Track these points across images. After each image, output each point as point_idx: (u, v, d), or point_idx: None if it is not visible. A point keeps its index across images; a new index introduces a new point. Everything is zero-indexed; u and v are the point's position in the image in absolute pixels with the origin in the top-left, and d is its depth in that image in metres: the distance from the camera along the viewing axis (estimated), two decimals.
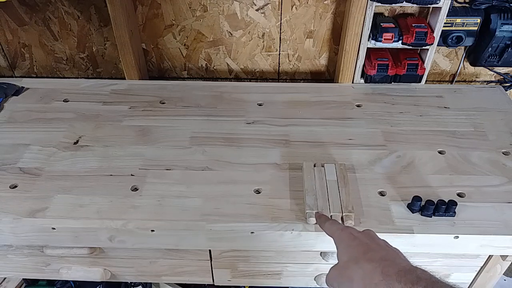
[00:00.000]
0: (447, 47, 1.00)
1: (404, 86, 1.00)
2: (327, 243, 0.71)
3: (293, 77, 1.13)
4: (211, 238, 0.71)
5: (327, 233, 0.59)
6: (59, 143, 0.85)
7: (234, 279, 0.85)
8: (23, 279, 1.14)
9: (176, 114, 0.93)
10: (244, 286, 1.08)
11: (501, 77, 1.09)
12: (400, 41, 0.94)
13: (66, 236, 0.72)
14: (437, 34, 0.93)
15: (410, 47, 0.95)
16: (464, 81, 1.12)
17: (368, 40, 0.95)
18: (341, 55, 0.99)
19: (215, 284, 0.87)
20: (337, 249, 0.55)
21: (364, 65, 1.00)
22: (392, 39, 0.93)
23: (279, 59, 1.09)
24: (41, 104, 0.96)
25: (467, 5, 0.96)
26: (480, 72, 1.10)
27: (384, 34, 0.93)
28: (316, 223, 0.67)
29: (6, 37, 1.08)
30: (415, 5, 0.90)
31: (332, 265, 0.53)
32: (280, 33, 1.04)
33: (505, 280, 1.40)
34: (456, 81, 1.11)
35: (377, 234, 0.68)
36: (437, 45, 0.96)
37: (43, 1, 1.01)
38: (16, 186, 0.76)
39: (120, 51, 1.01)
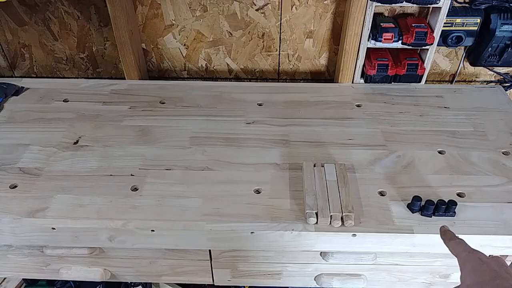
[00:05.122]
0: (447, 47, 1.00)
1: (404, 86, 1.00)
2: (327, 243, 0.71)
3: (293, 77, 1.13)
4: (211, 238, 0.71)
5: (451, 252, 0.56)
6: (59, 143, 0.85)
7: (234, 279, 0.85)
8: (23, 279, 1.14)
9: (176, 114, 0.93)
10: (244, 286, 1.08)
11: (501, 77, 1.09)
12: (400, 41, 0.94)
13: (66, 236, 0.72)
14: (437, 34, 0.93)
15: (410, 47, 0.95)
16: (464, 81, 1.12)
17: (368, 40, 0.95)
18: (341, 55, 0.99)
19: (215, 284, 0.87)
20: (460, 270, 0.53)
21: (364, 65, 1.00)
22: (392, 39, 0.93)
23: (279, 59, 1.09)
24: (41, 104, 0.96)
25: (467, 5, 0.96)
26: (480, 72, 1.10)
27: (384, 34, 0.93)
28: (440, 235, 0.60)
29: (6, 37, 1.08)
30: (415, 5, 0.90)
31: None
32: (280, 33, 1.04)
33: None
34: (456, 81, 1.11)
35: (377, 234, 0.69)
36: (437, 45, 0.96)
37: (43, 1, 1.01)
38: (16, 186, 0.76)
39: (120, 51, 1.01)
